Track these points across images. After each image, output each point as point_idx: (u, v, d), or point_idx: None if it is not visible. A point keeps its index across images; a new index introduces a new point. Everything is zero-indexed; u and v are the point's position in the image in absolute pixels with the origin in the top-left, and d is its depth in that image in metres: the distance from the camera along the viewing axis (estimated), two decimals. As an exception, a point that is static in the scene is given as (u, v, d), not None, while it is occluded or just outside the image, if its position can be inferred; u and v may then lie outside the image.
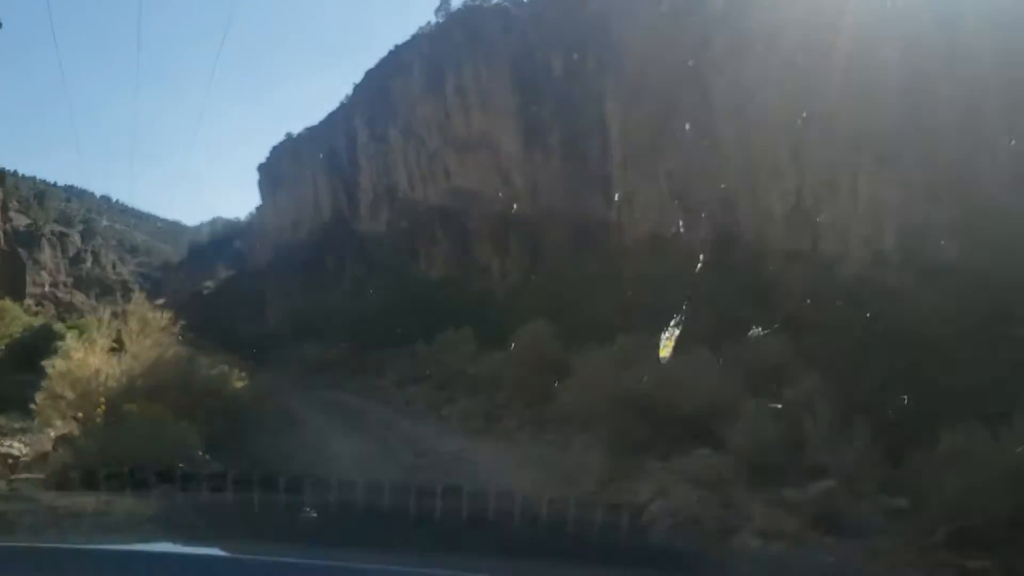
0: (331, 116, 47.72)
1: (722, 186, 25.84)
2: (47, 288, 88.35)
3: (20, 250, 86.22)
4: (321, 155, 47.89)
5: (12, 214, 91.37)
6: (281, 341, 35.19)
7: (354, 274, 41.44)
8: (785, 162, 23.23)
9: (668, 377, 7.36)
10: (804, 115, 21.27)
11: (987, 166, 16.39)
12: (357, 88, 45.38)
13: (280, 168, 52.71)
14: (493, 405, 13.61)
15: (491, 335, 19.38)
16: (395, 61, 42.46)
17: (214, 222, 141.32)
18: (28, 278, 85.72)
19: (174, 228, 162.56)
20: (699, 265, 16.59)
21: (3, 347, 34.87)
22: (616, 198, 30.90)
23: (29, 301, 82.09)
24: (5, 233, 61.10)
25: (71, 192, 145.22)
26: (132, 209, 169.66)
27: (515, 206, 36.18)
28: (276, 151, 53.16)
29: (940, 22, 17.04)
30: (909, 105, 17.39)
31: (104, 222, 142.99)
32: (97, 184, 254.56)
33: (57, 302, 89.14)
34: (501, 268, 36.13)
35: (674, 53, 27.17)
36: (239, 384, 11.88)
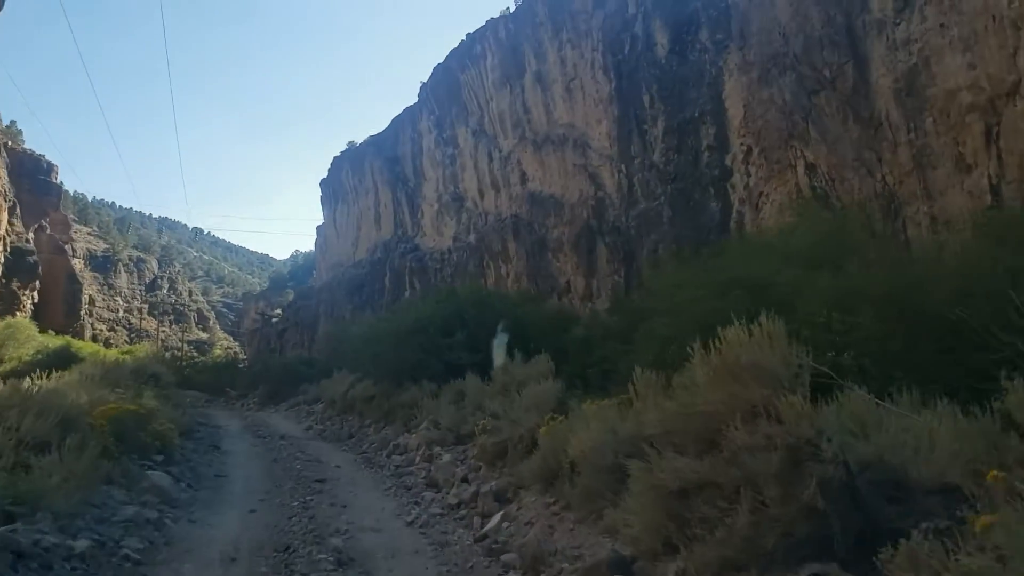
0: (396, 121, 40.03)
1: (884, 182, 17.25)
2: (121, 313, 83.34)
3: (96, 275, 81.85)
4: (382, 163, 40.21)
5: (91, 238, 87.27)
6: (318, 372, 27.42)
7: (412, 295, 33.47)
8: (977, 148, 14.55)
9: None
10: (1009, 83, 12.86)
11: None
12: (424, 87, 37.69)
13: (340, 180, 45.27)
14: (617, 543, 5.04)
15: (577, 372, 11.08)
16: (467, 52, 34.60)
17: (295, 255, 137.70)
18: (103, 302, 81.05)
19: (263, 261, 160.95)
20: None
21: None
22: (737, 201, 22.47)
23: (101, 325, 77.41)
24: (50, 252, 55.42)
25: (164, 223, 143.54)
26: (223, 242, 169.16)
27: (606, 213, 27.91)
28: (337, 162, 45.73)
29: None
30: None
31: (193, 252, 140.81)
32: (190, 218, 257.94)
33: (130, 327, 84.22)
34: (586, 288, 27.68)
35: (819, 12, 18.86)
36: None
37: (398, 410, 15.02)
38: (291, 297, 73.81)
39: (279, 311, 68.71)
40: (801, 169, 19.49)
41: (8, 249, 46.91)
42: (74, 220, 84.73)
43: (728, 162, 22.73)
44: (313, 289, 49.98)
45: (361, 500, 8.77)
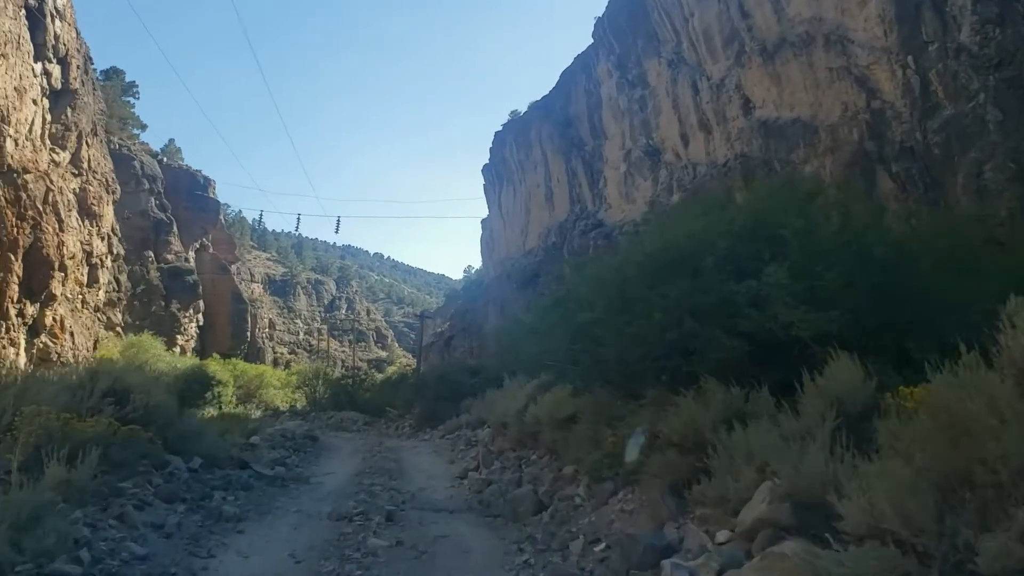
0: (565, 74, 31.35)
1: None
2: (301, 335, 79.70)
3: (275, 298, 78.72)
4: (551, 129, 31.61)
5: (269, 263, 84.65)
6: (484, 381, 19.12)
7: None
8: None
9: None
10: None
11: None
12: (599, 23, 28.86)
13: (504, 159, 37.06)
14: None
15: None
16: (654, -40, 25.51)
17: (467, 270, 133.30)
18: (283, 325, 77.69)
19: (439, 281, 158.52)
20: None
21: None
22: None
23: (282, 348, 73.76)
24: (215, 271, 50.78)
25: (347, 251, 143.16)
26: (402, 265, 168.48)
27: (888, 130, 17.99)
28: (499, 138, 37.50)
29: None
30: None
31: (375, 276, 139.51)
32: (371, 244, 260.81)
33: (310, 348, 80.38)
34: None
35: None
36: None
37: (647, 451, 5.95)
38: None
39: (447, 323, 62.11)
40: None
41: (165, 268, 42.18)
42: (253, 246, 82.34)
43: (1094, 24, 12.65)
44: (480, 288, 42.37)
45: None
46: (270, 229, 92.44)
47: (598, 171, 29.31)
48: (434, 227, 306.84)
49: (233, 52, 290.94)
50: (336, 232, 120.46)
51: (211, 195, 49.59)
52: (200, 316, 46.90)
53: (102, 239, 23.54)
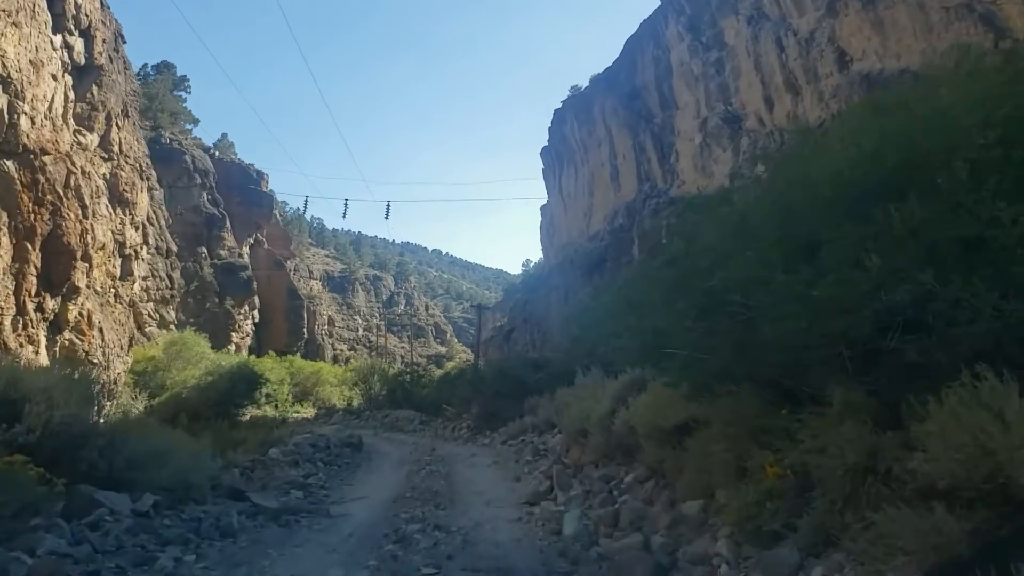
0: (630, 42, 28.57)
1: None
2: (360, 332, 78.33)
3: (334, 295, 77.48)
4: (615, 102, 28.88)
5: (328, 260, 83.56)
6: (550, 376, 16.63)
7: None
8: None
9: None
10: None
11: None
12: (666, -18, 26.11)
13: (564, 137, 34.37)
14: None
15: None
16: (728, -96, 22.63)
17: (526, 264, 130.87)
18: (343, 322, 76.35)
19: (498, 276, 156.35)
20: None
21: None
22: None
23: (342, 345, 72.37)
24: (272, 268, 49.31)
25: (406, 248, 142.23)
26: (460, 260, 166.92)
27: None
28: (559, 116, 34.83)
29: None
30: None
31: (433, 272, 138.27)
32: (429, 240, 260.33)
33: (370, 345, 78.94)
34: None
35: None
36: None
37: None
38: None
39: (506, 317, 59.83)
40: None
41: (219, 264, 40.76)
42: (311, 244, 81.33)
43: None
44: (540, 278, 39.93)
45: None
46: (328, 227, 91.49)
47: (669, 144, 26.53)
48: (492, 222, 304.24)
49: (293, 54, 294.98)
50: (386, 218, 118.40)
51: (264, 189, 48.15)
52: (256, 313, 45.46)
53: (136, 228, 21.78)
